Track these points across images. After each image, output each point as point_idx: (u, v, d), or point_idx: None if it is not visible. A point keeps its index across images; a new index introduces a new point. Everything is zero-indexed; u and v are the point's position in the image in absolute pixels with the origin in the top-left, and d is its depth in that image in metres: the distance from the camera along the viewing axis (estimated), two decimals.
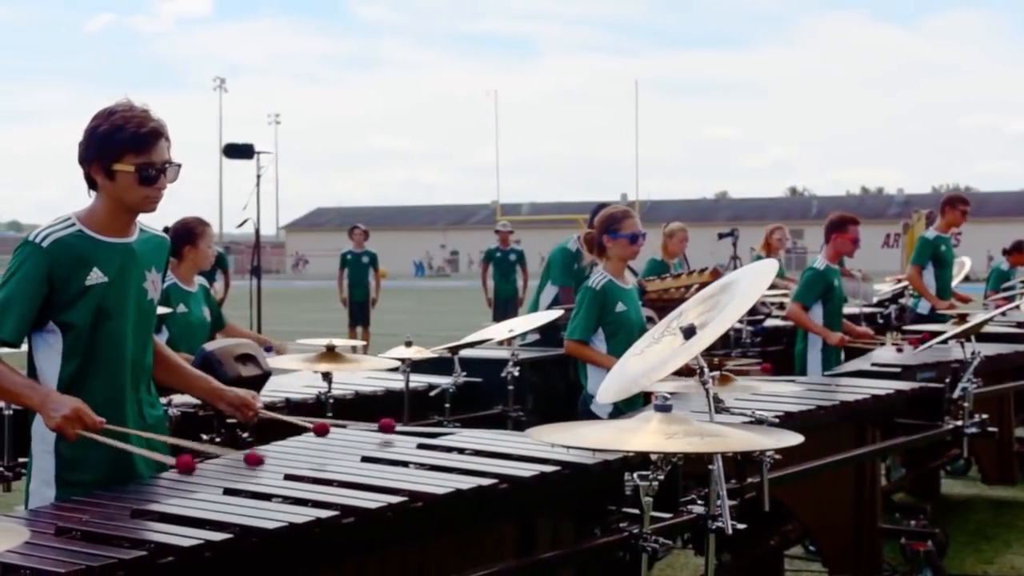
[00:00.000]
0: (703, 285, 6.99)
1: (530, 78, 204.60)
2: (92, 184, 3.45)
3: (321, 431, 3.83)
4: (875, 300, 11.88)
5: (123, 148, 3.35)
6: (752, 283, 3.70)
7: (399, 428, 3.97)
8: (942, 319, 8.91)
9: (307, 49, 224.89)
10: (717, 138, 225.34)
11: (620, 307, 5.93)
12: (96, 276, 3.38)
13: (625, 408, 5.29)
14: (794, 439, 3.24)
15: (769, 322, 10.01)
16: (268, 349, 6.04)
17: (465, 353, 6.53)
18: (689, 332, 3.52)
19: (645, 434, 3.08)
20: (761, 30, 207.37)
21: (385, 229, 69.01)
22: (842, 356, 7.95)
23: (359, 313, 16.93)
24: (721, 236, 13.43)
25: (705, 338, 3.46)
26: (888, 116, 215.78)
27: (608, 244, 5.97)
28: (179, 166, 3.47)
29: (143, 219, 3.58)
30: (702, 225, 43.25)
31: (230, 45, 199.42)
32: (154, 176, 3.39)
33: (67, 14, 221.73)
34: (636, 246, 6.00)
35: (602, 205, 7.91)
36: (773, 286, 11.13)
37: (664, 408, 3.16)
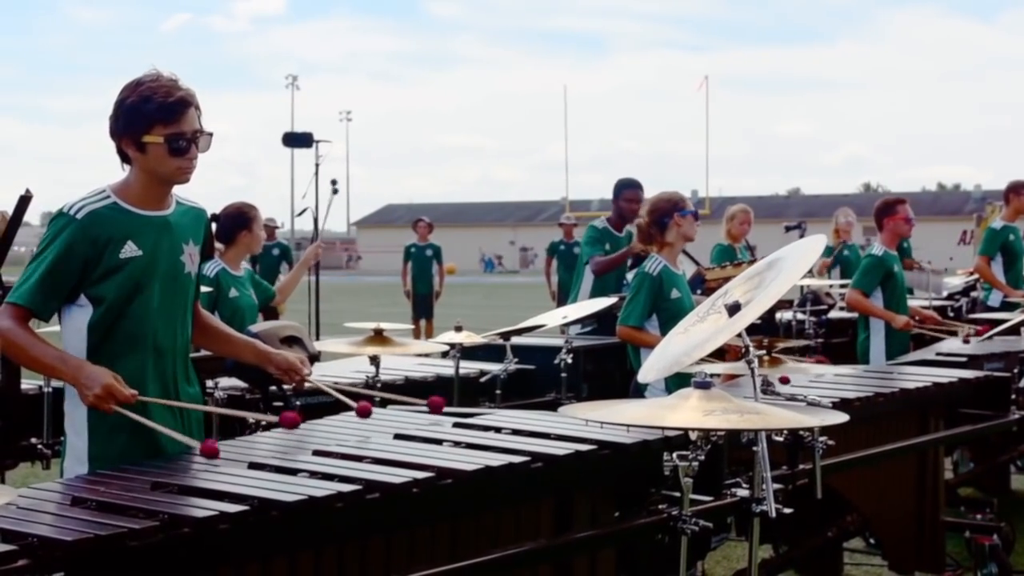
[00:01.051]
0: None
1: (601, 74, 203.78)
2: (125, 158, 3.40)
3: (364, 412, 3.75)
4: (945, 293, 11.63)
5: (152, 119, 3.29)
6: (798, 260, 3.57)
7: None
8: (1014, 310, 8.67)
9: (380, 47, 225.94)
10: (789, 134, 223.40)
11: (675, 293, 5.88)
12: (130, 249, 3.32)
13: None
14: (837, 418, 3.10)
15: (833, 313, 9.81)
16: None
17: (519, 340, 6.46)
18: (733, 309, 3.41)
19: (682, 411, 2.97)
20: (835, 24, 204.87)
21: (455, 226, 69.19)
22: (909, 347, 7.73)
23: (423, 306, 16.97)
24: (788, 229, 13.17)
25: (749, 315, 3.35)
26: (966, 112, 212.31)
27: (678, 223, 5.91)
28: (211, 135, 3.40)
29: (182, 192, 3.54)
30: (773, 221, 42.75)
31: (303, 43, 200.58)
32: (184, 146, 3.33)
33: (143, 14, 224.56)
34: (698, 222, 6.03)
35: (623, 180, 8.03)
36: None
37: (703, 385, 3.05)
